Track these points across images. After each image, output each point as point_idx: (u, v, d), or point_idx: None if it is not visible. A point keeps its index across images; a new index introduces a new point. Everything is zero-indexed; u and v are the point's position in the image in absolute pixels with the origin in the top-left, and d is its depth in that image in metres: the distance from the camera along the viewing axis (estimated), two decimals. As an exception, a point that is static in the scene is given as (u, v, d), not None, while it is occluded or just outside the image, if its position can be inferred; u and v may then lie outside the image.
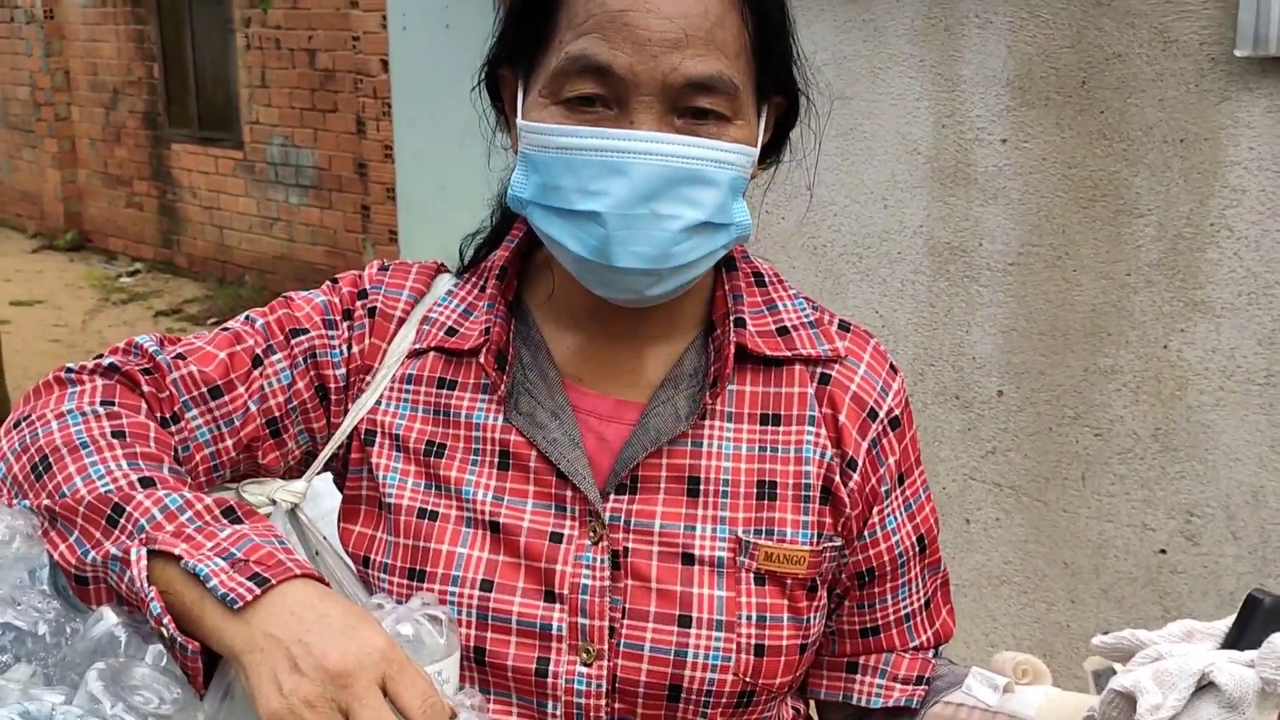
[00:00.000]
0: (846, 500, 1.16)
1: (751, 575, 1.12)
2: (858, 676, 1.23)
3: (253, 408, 1.15)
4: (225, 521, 1.00)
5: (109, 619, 0.94)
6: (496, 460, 1.14)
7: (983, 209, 2.65)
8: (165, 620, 0.93)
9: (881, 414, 1.18)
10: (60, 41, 10.10)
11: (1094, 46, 2.46)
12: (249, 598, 0.93)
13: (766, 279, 1.22)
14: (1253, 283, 2.35)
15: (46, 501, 1.02)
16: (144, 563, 0.95)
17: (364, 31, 7.09)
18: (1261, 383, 2.37)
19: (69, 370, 1.14)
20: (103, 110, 9.90)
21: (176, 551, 0.96)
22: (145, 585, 0.94)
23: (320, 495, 1.26)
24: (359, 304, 1.21)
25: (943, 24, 2.65)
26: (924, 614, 1.24)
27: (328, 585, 0.98)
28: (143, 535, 0.97)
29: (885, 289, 2.82)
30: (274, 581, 0.94)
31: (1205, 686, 0.89)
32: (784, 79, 1.14)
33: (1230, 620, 0.94)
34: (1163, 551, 2.53)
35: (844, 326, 1.22)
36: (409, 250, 7.05)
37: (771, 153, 1.19)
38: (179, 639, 0.93)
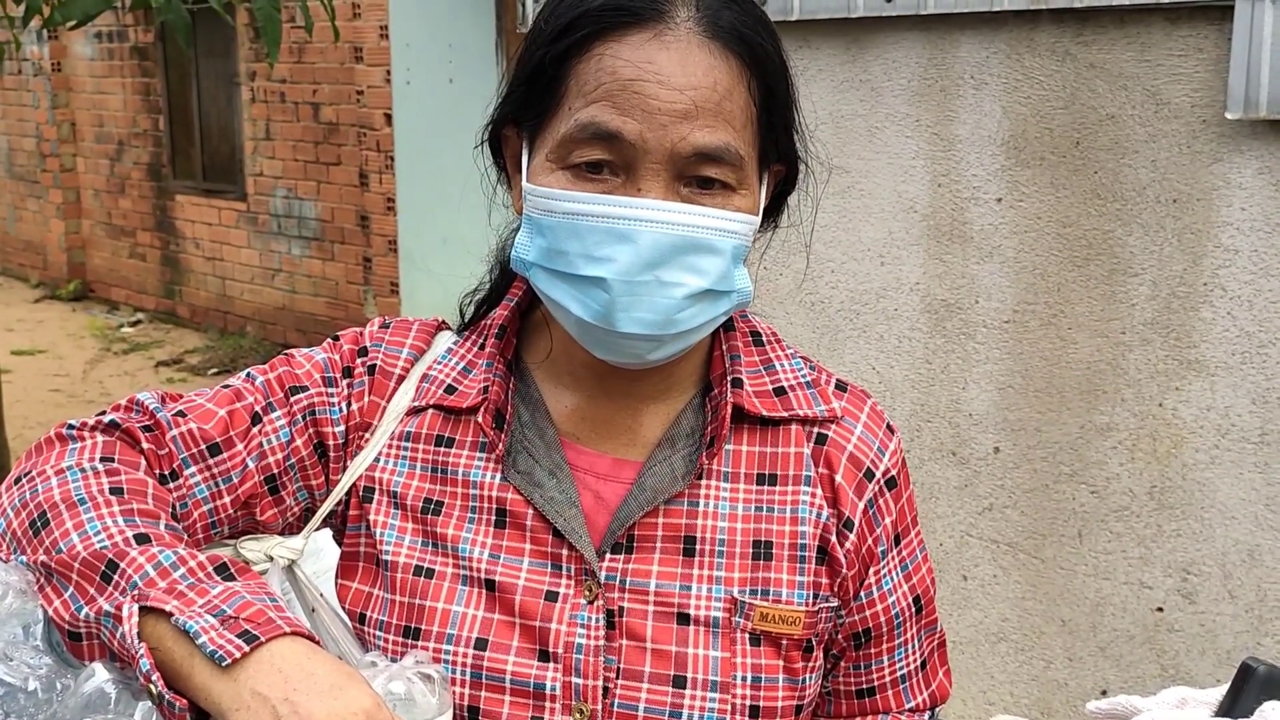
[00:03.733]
0: (843, 560, 1.15)
1: (747, 636, 1.12)
2: (854, 738, 1.23)
3: (251, 465, 1.15)
4: (218, 579, 1.00)
5: (100, 675, 0.94)
6: (493, 518, 1.14)
7: (979, 266, 2.67)
8: (154, 677, 0.94)
9: (878, 474, 1.18)
10: (67, 94, 10.20)
11: (1087, 108, 2.49)
12: (237, 655, 0.93)
13: (764, 338, 1.23)
14: (1246, 342, 2.37)
15: (43, 557, 1.03)
16: (135, 619, 0.96)
17: (368, 85, 7.16)
18: (1256, 441, 2.37)
19: (70, 427, 1.15)
20: (108, 162, 9.97)
21: (167, 608, 0.96)
22: (135, 642, 0.95)
23: (322, 551, 1.26)
24: (359, 361, 1.21)
25: (938, 85, 2.68)
26: (920, 675, 1.24)
27: (318, 643, 0.98)
28: (135, 592, 0.98)
29: (882, 345, 2.83)
30: (263, 639, 0.94)
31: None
32: (786, 148, 1.15)
33: (1224, 688, 0.94)
34: (1159, 610, 2.52)
35: (841, 386, 1.22)
36: (410, 301, 7.08)
37: (769, 217, 1.20)
38: (167, 696, 0.94)
